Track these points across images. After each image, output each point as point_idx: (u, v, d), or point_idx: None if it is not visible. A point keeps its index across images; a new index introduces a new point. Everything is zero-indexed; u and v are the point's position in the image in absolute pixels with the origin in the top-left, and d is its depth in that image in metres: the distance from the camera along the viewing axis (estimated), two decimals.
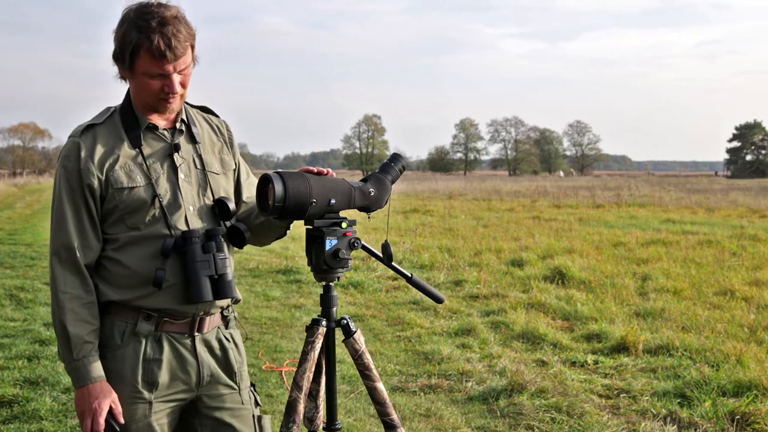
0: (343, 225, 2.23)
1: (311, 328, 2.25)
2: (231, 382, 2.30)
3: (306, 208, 2.14)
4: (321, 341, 2.24)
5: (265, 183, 2.14)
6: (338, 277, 2.25)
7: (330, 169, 2.27)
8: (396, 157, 2.40)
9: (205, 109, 2.41)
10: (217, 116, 2.43)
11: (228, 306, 2.32)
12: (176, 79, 2.12)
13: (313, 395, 2.28)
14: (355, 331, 2.29)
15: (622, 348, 6.04)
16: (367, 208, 2.30)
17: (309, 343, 2.23)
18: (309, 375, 2.22)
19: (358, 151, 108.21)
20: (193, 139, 2.28)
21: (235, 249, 2.35)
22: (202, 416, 2.26)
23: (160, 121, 2.23)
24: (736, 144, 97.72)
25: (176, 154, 2.22)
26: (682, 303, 7.79)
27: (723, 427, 4.40)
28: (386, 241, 2.33)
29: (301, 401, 2.19)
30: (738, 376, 5.10)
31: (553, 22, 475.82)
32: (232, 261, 2.32)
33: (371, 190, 2.28)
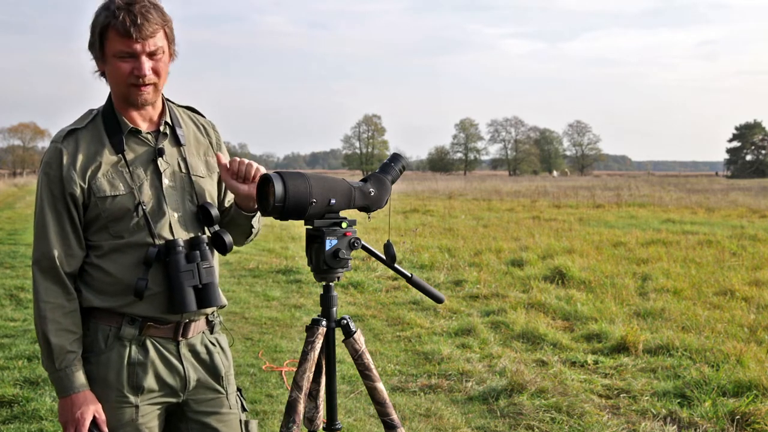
0: (343, 225, 2.22)
1: (311, 328, 2.24)
2: (218, 387, 2.28)
3: (306, 208, 2.14)
4: (321, 341, 2.24)
5: (265, 183, 2.13)
6: (338, 277, 2.25)
7: None
8: (396, 157, 2.39)
9: (191, 109, 2.37)
10: (203, 116, 2.39)
11: (213, 311, 2.30)
12: (146, 62, 2.08)
13: (313, 395, 2.27)
14: (355, 331, 2.29)
15: (622, 348, 6.04)
16: (367, 208, 2.29)
17: (309, 343, 2.23)
18: (309, 375, 2.21)
19: (358, 151, 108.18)
20: (177, 142, 2.23)
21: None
22: (188, 420, 2.25)
23: (142, 124, 2.19)
24: (736, 144, 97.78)
25: (160, 159, 2.18)
26: (682, 303, 7.79)
27: (723, 427, 4.40)
28: (389, 241, 2.32)
29: (301, 401, 2.19)
30: (738, 376, 5.09)
31: (553, 22, 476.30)
32: (217, 268, 2.29)
33: (371, 190, 2.28)
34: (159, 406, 2.19)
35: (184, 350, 2.21)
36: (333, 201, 2.18)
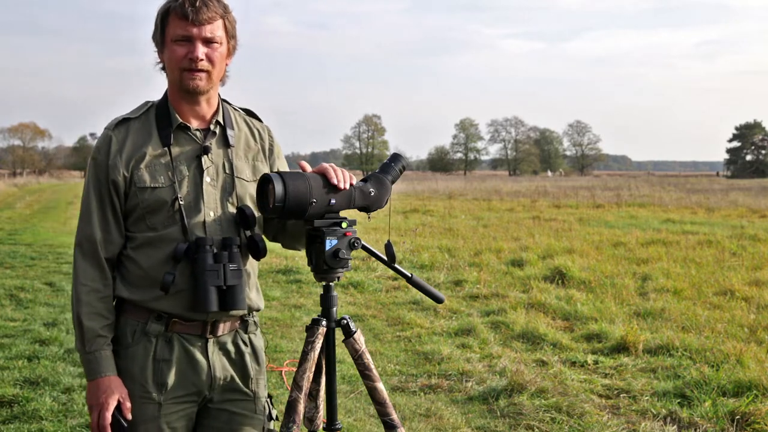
0: (343, 225, 2.22)
1: (311, 328, 2.24)
2: (245, 389, 2.26)
3: (306, 208, 2.13)
4: (321, 341, 2.24)
5: (265, 183, 2.13)
6: (338, 277, 2.24)
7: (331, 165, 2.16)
8: (396, 157, 2.39)
9: (248, 112, 2.37)
10: (260, 120, 2.38)
11: (250, 312, 2.28)
12: (200, 47, 2.11)
13: (313, 395, 2.27)
14: (355, 331, 2.29)
15: (622, 348, 6.04)
16: (367, 208, 2.29)
17: (309, 343, 2.22)
18: (309, 375, 2.21)
19: (358, 151, 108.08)
20: (226, 143, 2.24)
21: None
22: (212, 419, 2.24)
23: (194, 121, 2.21)
24: (736, 144, 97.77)
25: (205, 156, 2.19)
26: (682, 303, 7.79)
27: (723, 427, 4.40)
28: (389, 241, 2.32)
29: (301, 401, 2.19)
30: (738, 376, 5.09)
31: (553, 22, 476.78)
32: (256, 270, 2.29)
33: (371, 190, 2.27)
34: (184, 408, 2.18)
35: (212, 348, 2.20)
36: (333, 201, 2.18)
